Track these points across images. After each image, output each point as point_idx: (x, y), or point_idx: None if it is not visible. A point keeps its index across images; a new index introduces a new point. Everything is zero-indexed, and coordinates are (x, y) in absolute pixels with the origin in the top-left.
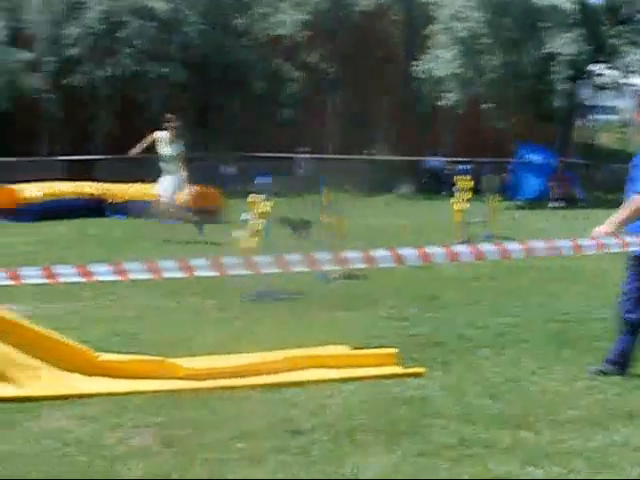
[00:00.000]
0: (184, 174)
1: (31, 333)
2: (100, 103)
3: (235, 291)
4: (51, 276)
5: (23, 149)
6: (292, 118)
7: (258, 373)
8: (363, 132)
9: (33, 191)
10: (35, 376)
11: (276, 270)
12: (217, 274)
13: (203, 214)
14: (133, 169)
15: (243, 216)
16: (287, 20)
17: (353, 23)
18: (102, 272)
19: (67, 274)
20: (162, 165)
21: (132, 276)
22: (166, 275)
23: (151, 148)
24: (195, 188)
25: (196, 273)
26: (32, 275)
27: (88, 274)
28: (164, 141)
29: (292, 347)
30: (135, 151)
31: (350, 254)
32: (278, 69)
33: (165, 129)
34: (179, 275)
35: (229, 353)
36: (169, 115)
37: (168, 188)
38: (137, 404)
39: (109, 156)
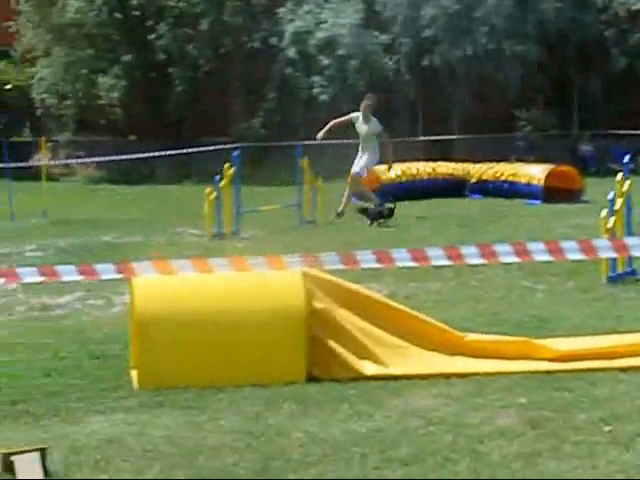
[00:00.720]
0: (376, 154)
1: (396, 312)
2: (457, 83)
3: (597, 273)
4: (419, 259)
5: (384, 130)
6: None
7: (623, 355)
8: None
9: (393, 172)
10: (401, 355)
11: None
12: (586, 257)
13: (562, 194)
14: (491, 148)
15: (610, 195)
16: None
17: None
18: (470, 254)
19: (435, 256)
20: (361, 143)
21: (502, 259)
22: (536, 258)
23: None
24: (552, 167)
25: (567, 256)
26: (402, 257)
27: (457, 257)
28: (360, 120)
29: None
30: (321, 135)
31: None
32: (638, 44)
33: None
34: (546, 258)
35: (593, 335)
36: (369, 94)
37: (361, 165)
38: (501, 385)
39: (467, 136)
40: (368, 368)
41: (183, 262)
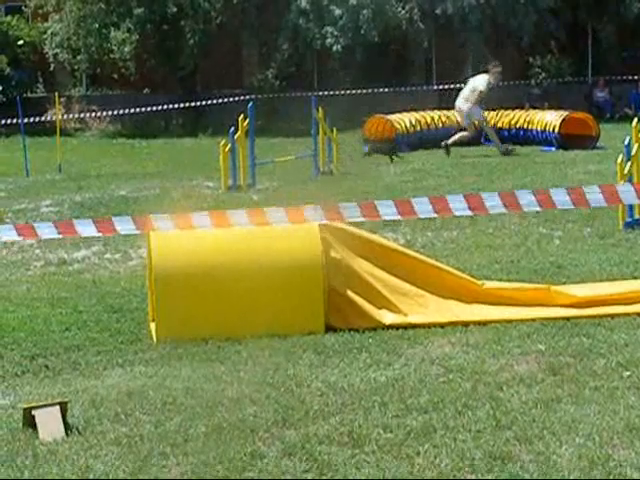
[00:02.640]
0: None
1: (414, 261)
2: (470, 31)
3: (613, 218)
4: (441, 210)
5: (397, 80)
6: None
7: None
8: None
9: (408, 121)
10: (419, 304)
11: None
12: (607, 204)
13: (577, 140)
14: (506, 96)
15: (626, 141)
16: None
17: None
18: (493, 205)
19: (457, 208)
20: None
21: (525, 209)
22: (559, 207)
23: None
24: (567, 114)
25: (593, 204)
26: (424, 210)
27: (480, 207)
28: None
29: None
30: None
31: None
32: None
33: None
34: (569, 206)
35: (610, 280)
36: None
37: None
38: (520, 331)
39: None
40: (387, 317)
41: (201, 215)
